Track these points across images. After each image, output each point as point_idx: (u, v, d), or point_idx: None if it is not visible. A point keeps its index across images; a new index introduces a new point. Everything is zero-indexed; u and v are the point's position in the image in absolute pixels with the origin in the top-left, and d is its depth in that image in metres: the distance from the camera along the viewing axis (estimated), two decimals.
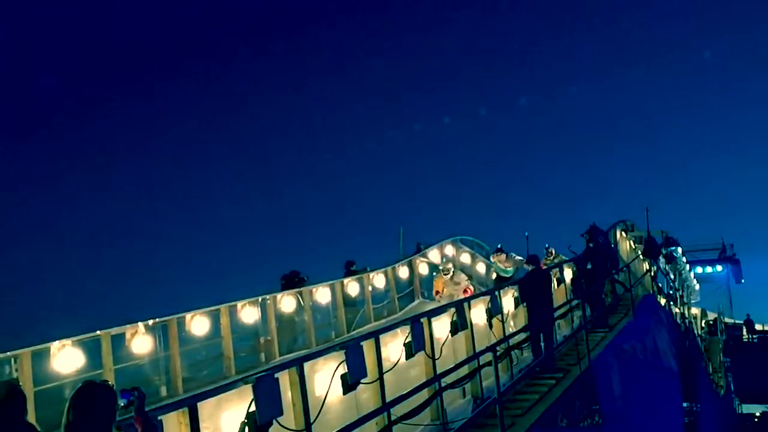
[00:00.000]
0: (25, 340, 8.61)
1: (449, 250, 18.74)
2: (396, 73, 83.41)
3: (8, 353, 8.10)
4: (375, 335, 7.67)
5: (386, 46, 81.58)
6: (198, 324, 10.70)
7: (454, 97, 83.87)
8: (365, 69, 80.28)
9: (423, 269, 17.55)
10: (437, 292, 13.91)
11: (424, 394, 7.97)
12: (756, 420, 34.40)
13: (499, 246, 16.40)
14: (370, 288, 15.33)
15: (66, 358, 8.54)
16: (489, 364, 8.98)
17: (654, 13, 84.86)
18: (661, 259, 22.10)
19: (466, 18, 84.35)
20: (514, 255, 14.89)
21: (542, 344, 11.43)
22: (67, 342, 8.63)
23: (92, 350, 9.04)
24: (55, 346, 8.49)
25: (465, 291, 13.30)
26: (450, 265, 14.08)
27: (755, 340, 36.41)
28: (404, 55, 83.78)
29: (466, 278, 14.01)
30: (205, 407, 5.62)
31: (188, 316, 10.60)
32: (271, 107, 78.31)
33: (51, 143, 70.02)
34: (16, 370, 8.08)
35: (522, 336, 11.17)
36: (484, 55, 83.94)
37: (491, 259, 15.31)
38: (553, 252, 17.25)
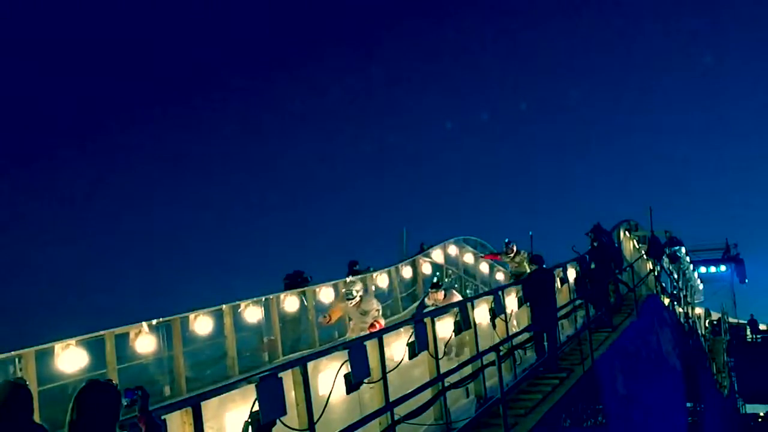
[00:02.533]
0: (29, 339, 8.63)
1: (452, 249, 18.74)
2: (401, 77, 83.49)
3: (12, 353, 8.12)
4: (378, 335, 7.67)
5: (392, 50, 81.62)
6: (201, 324, 10.71)
7: (457, 100, 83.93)
8: (370, 73, 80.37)
9: (426, 269, 17.55)
10: (326, 317, 10.99)
11: (427, 394, 7.97)
12: (760, 420, 34.35)
13: (435, 281, 13.43)
14: (373, 288, 15.33)
15: (70, 358, 8.56)
16: (492, 363, 8.99)
17: (658, 12, 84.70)
18: (665, 259, 22.09)
19: (468, 23, 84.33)
20: (454, 292, 11.88)
21: (545, 344, 11.43)
22: (71, 341, 8.65)
23: (96, 350, 9.06)
24: (59, 345, 8.52)
25: (372, 326, 10.23)
26: (358, 287, 10.93)
27: (759, 340, 36.32)
28: (408, 58, 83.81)
29: (378, 308, 10.77)
30: (208, 407, 5.63)
31: (192, 315, 10.61)
32: (276, 109, 78.38)
33: (55, 145, 70.16)
34: (21, 370, 8.10)
35: (525, 336, 11.17)
36: (488, 58, 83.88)
37: (426, 300, 11.96)
38: (515, 249, 16.39)
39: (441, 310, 9.61)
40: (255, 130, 79.15)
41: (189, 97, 77.79)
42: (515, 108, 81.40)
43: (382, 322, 10.62)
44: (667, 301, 20.46)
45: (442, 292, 11.57)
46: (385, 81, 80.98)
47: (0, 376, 7.82)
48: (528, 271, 15.50)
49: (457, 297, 11.31)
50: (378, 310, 10.70)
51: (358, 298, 10.61)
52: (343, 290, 11.17)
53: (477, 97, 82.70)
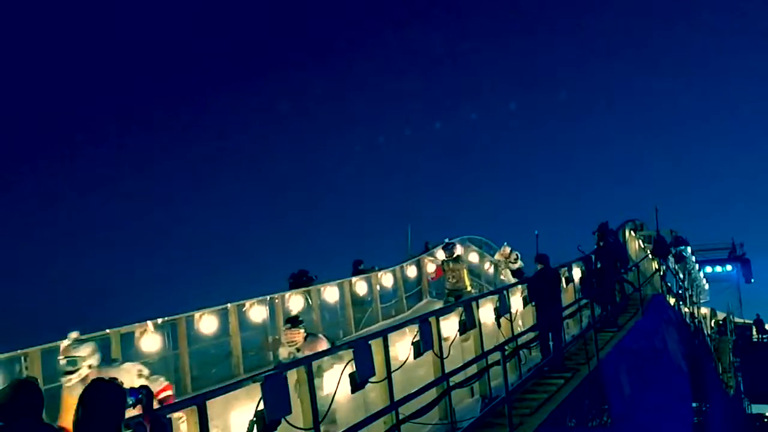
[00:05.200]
0: (35, 338, 8.66)
1: (457, 249, 18.70)
2: (405, 76, 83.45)
3: (18, 351, 8.15)
4: (383, 334, 7.67)
5: (397, 50, 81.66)
6: (206, 323, 10.74)
7: (464, 99, 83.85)
8: (373, 73, 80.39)
9: (431, 268, 17.54)
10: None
11: (432, 393, 7.97)
12: (766, 420, 34.24)
13: (294, 316, 9.41)
14: (378, 287, 15.34)
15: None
16: (497, 363, 8.97)
17: (664, 11, 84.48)
18: (671, 259, 22.02)
19: (475, 21, 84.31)
20: (321, 338, 8.55)
21: (551, 343, 11.41)
22: None
23: (101, 348, 9.06)
24: (64, 344, 8.52)
25: (167, 400, 6.24)
26: (85, 350, 6.32)
27: (765, 340, 36.24)
28: (414, 58, 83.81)
29: (144, 372, 6.38)
30: (213, 406, 5.62)
31: (197, 314, 10.64)
32: (280, 107, 78.43)
33: (62, 148, 70.34)
34: (26, 368, 8.13)
35: (531, 335, 11.15)
36: (494, 57, 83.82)
37: (280, 350, 8.61)
38: (456, 251, 14.45)
39: (446, 309, 9.57)
40: (260, 130, 79.28)
41: (195, 98, 77.99)
42: (520, 108, 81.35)
43: (170, 391, 6.57)
44: (672, 300, 20.40)
45: (302, 331, 8.32)
46: (390, 81, 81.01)
47: (6, 375, 7.85)
48: (469, 289, 13.94)
49: (324, 345, 8.25)
50: (145, 376, 6.29)
51: (85, 370, 6.17)
52: (61, 359, 6.39)
53: (484, 96, 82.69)
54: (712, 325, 32.27)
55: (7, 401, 4.02)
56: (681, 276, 23.72)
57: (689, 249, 26.21)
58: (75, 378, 6.17)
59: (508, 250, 15.82)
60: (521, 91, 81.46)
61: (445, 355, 8.42)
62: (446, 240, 14.76)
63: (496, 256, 16.54)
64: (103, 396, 4.07)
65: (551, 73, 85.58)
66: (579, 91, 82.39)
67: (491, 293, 11.68)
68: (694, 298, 26.66)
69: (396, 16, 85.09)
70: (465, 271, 14.13)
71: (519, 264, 15.57)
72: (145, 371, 6.51)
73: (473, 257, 19.15)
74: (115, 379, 4.38)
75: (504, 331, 10.45)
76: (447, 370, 8.28)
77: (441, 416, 8.32)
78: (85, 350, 6.39)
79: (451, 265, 14.06)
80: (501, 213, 68.29)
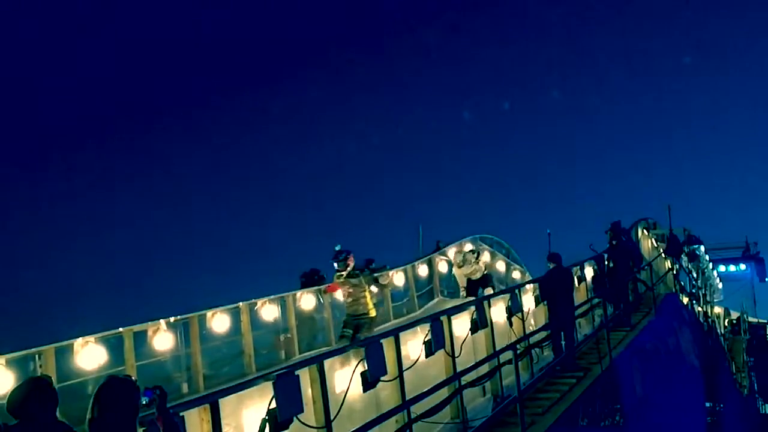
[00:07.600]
0: (49, 336, 8.72)
1: (468, 248, 18.67)
2: (414, 75, 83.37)
3: (32, 349, 8.20)
4: (395, 333, 7.67)
5: (405, 48, 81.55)
6: (219, 321, 10.76)
7: (474, 97, 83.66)
8: (382, 70, 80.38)
9: (442, 267, 17.50)
10: None
11: (443, 393, 7.96)
12: None
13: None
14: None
15: (89, 355, 8.63)
16: (509, 362, 8.96)
17: (672, 9, 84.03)
18: (684, 258, 21.91)
19: (488, 16, 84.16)
20: None
21: (563, 343, 11.38)
22: (90, 339, 8.72)
23: (115, 347, 9.13)
24: (78, 342, 8.58)
25: None
26: None
27: None
28: (423, 56, 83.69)
29: None
30: (226, 404, 5.65)
31: (209, 313, 10.67)
32: (289, 102, 78.56)
33: (72, 144, 70.77)
34: (40, 366, 8.18)
35: (543, 334, 11.13)
36: (504, 56, 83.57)
37: None
38: (351, 263, 11.34)
39: (458, 308, 9.56)
40: (271, 128, 79.43)
41: (206, 98, 78.23)
42: (532, 106, 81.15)
43: None
44: (686, 299, 20.29)
45: None
46: (399, 79, 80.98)
47: (20, 373, 7.90)
48: (372, 314, 11.59)
49: None
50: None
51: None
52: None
53: (493, 94, 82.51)
54: (726, 324, 32.05)
55: (22, 399, 4.05)
56: (694, 275, 23.59)
57: (702, 248, 26.07)
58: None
59: (459, 255, 14.73)
60: (530, 90, 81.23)
61: (456, 354, 8.42)
62: (336, 248, 11.17)
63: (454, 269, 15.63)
64: (117, 393, 4.09)
65: (565, 71, 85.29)
66: (591, 89, 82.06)
67: (502, 292, 11.67)
68: (708, 297, 26.50)
69: (406, 14, 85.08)
70: (367, 291, 11.35)
71: (477, 267, 14.52)
72: None
73: (485, 256, 19.09)
74: (130, 376, 4.41)
75: (516, 330, 10.43)
76: (459, 369, 8.27)
77: (453, 415, 8.31)
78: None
79: (352, 279, 11.20)
80: (513, 212, 68.12)
